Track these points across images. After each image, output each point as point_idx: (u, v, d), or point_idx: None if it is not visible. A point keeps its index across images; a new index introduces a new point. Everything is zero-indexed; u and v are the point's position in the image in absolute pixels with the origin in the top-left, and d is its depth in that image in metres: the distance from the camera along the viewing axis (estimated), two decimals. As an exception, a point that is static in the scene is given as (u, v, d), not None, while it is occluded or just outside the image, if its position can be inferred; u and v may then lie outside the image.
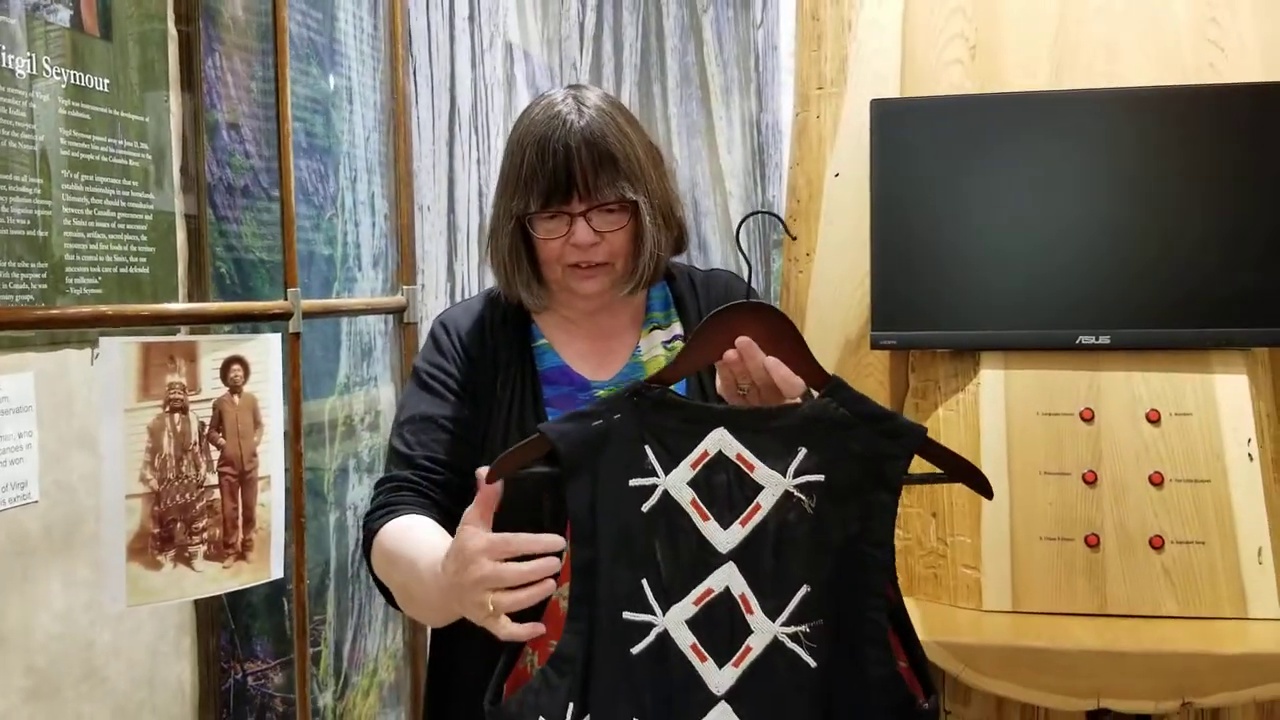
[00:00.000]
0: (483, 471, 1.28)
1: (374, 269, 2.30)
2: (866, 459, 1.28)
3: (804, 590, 1.28)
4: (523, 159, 1.50)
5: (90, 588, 1.69)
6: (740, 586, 1.28)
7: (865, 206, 2.07)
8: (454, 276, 2.42)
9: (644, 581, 1.29)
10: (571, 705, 1.28)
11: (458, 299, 2.42)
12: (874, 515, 1.28)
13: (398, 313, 2.14)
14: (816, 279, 2.20)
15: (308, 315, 1.88)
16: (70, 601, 1.87)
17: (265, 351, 1.78)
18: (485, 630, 1.43)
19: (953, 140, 2.04)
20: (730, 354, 1.29)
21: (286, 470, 1.81)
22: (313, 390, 2.27)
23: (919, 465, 1.29)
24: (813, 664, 1.27)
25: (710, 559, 1.29)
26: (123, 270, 2.01)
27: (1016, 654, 1.79)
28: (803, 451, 1.28)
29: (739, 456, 1.29)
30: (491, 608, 1.23)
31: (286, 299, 1.83)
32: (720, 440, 1.29)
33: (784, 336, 1.30)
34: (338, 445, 2.31)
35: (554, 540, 1.24)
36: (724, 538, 1.29)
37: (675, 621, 1.28)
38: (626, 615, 1.28)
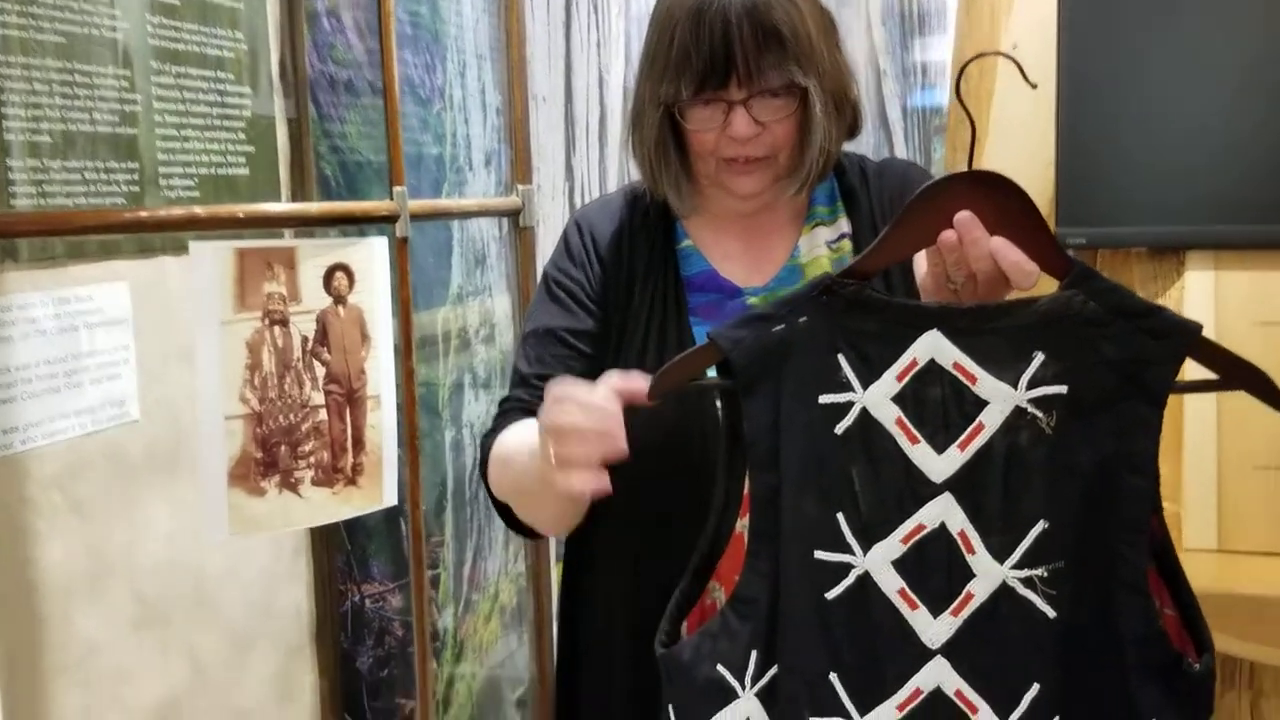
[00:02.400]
0: (622, 380, 1.01)
1: (486, 168, 2.02)
2: (1122, 364, 0.97)
3: (1040, 526, 0.98)
4: (672, 36, 1.21)
5: (197, 512, 1.46)
6: (959, 522, 0.99)
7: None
8: (572, 174, 2.13)
9: (839, 516, 1.00)
10: (755, 654, 1.02)
11: (577, 201, 2.14)
12: (1132, 433, 0.97)
13: (512, 215, 1.86)
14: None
15: (415, 218, 1.60)
16: (176, 526, 1.65)
17: (370, 257, 1.51)
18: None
19: (1156, 3, 1.68)
20: (946, 235, 0.98)
21: (398, 388, 1.55)
22: (424, 301, 2.02)
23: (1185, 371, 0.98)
24: (1051, 614, 0.98)
25: (921, 490, 1.00)
26: (220, 171, 1.76)
27: (1225, 602, 1.48)
28: (1039, 357, 0.98)
29: (957, 366, 0.99)
30: (553, 459, 1.03)
31: (392, 199, 1.55)
32: (933, 346, 0.99)
33: (1013, 214, 0.99)
34: (452, 359, 2.06)
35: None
36: (938, 465, 0.99)
37: (879, 563, 1.00)
38: (819, 555, 1.01)
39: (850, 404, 1.00)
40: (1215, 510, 1.63)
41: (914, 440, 1.00)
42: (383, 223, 1.58)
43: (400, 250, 1.59)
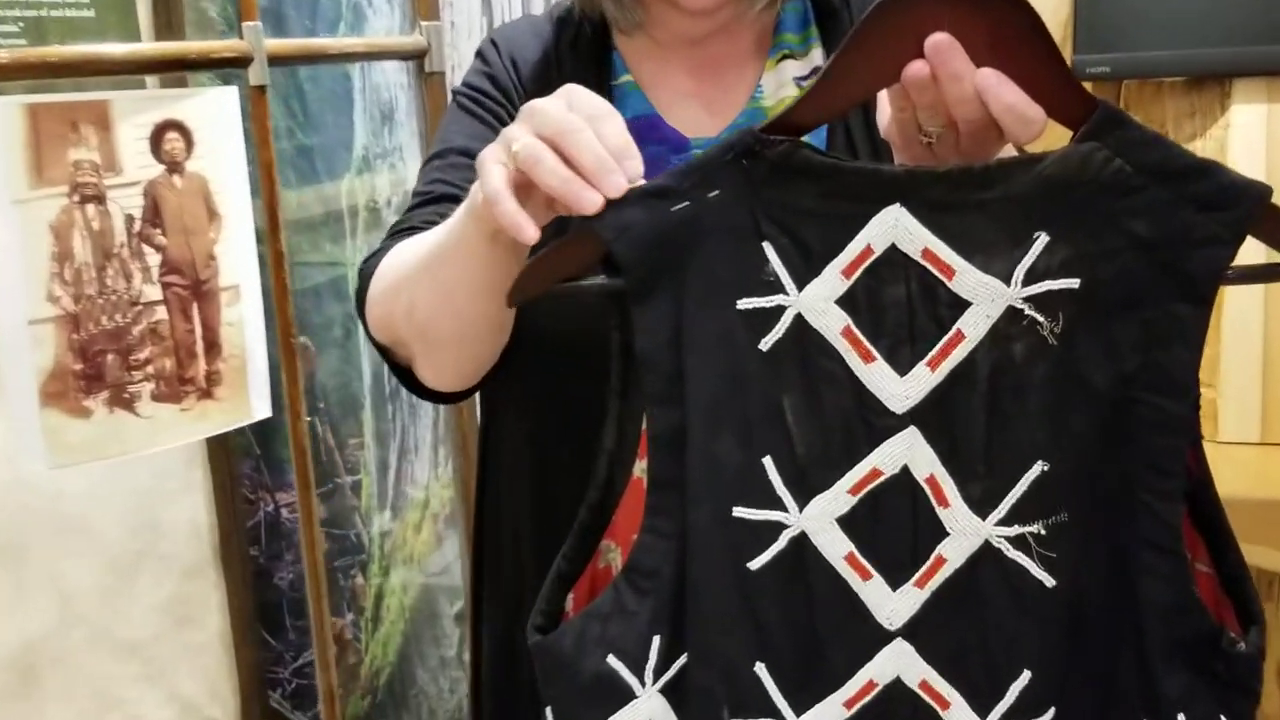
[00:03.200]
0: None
1: (390, 5, 1.68)
2: (1158, 247, 0.69)
3: (1037, 469, 0.72)
4: None
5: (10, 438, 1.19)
6: (927, 464, 0.73)
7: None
8: (491, 9, 1.79)
9: (766, 460, 0.74)
10: (658, 640, 0.77)
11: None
12: (1166, 342, 0.70)
13: (416, 59, 1.54)
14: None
15: (280, 61, 1.29)
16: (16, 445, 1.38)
17: (215, 113, 1.21)
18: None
19: None
20: (915, 68, 0.69)
21: (264, 274, 1.27)
22: (326, 169, 1.71)
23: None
24: (1049, 582, 0.73)
25: (876, 423, 0.73)
26: (54, 14, 1.44)
27: (1265, 509, 1.23)
28: (1041, 240, 0.70)
29: (927, 254, 0.71)
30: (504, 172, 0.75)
31: (242, 37, 1.24)
32: (895, 228, 0.71)
33: (1010, 36, 0.69)
34: (361, 236, 1.77)
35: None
36: (900, 389, 0.72)
37: (819, 520, 0.74)
38: (739, 511, 0.74)
39: (780, 310, 0.73)
40: (1259, 397, 1.36)
41: (867, 357, 0.72)
42: (232, 68, 1.27)
43: (257, 103, 1.28)
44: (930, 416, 0.73)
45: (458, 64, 1.67)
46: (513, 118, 1.06)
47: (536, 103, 0.75)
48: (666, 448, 0.74)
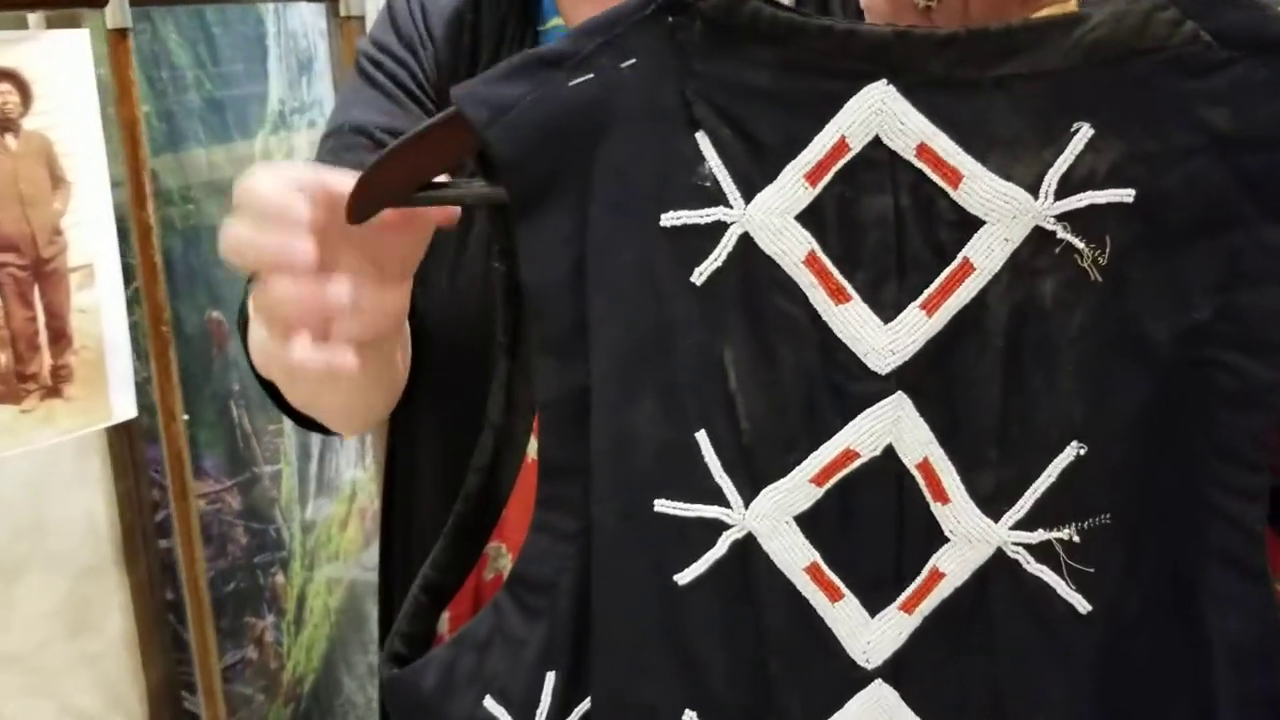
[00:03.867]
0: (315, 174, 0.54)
1: (307, -61, 1.47)
2: (1248, 147, 0.49)
3: (1071, 454, 0.52)
4: None
5: None
6: (919, 445, 0.53)
7: None
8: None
9: (700, 436, 0.54)
10: (552, 677, 0.57)
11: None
12: (1255, 281, 0.50)
13: (330, 1, 1.33)
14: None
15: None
16: None
17: (60, 62, 1.00)
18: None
19: None
20: None
21: (127, 251, 1.06)
22: (239, 124, 1.51)
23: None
24: (1083, 607, 0.53)
25: (850, 386, 0.53)
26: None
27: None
28: (1084, 132, 0.50)
29: (924, 152, 0.51)
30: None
31: None
32: (880, 113, 0.51)
33: None
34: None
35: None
36: (883, 339, 0.52)
37: (771, 519, 0.54)
38: (662, 506, 0.54)
39: (719, 227, 0.52)
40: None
41: (839, 295, 0.52)
42: (85, 6, 1.06)
43: (117, 49, 1.07)
44: (925, 379, 0.53)
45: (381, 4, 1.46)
46: (418, 82, 0.87)
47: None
48: (563, 420, 0.54)
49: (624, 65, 0.51)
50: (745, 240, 0.52)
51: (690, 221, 0.52)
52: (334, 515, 1.68)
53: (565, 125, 0.51)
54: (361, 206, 0.53)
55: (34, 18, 1.12)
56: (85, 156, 1.02)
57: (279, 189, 0.53)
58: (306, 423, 0.85)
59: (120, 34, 1.06)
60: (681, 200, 0.52)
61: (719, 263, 0.52)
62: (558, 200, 0.52)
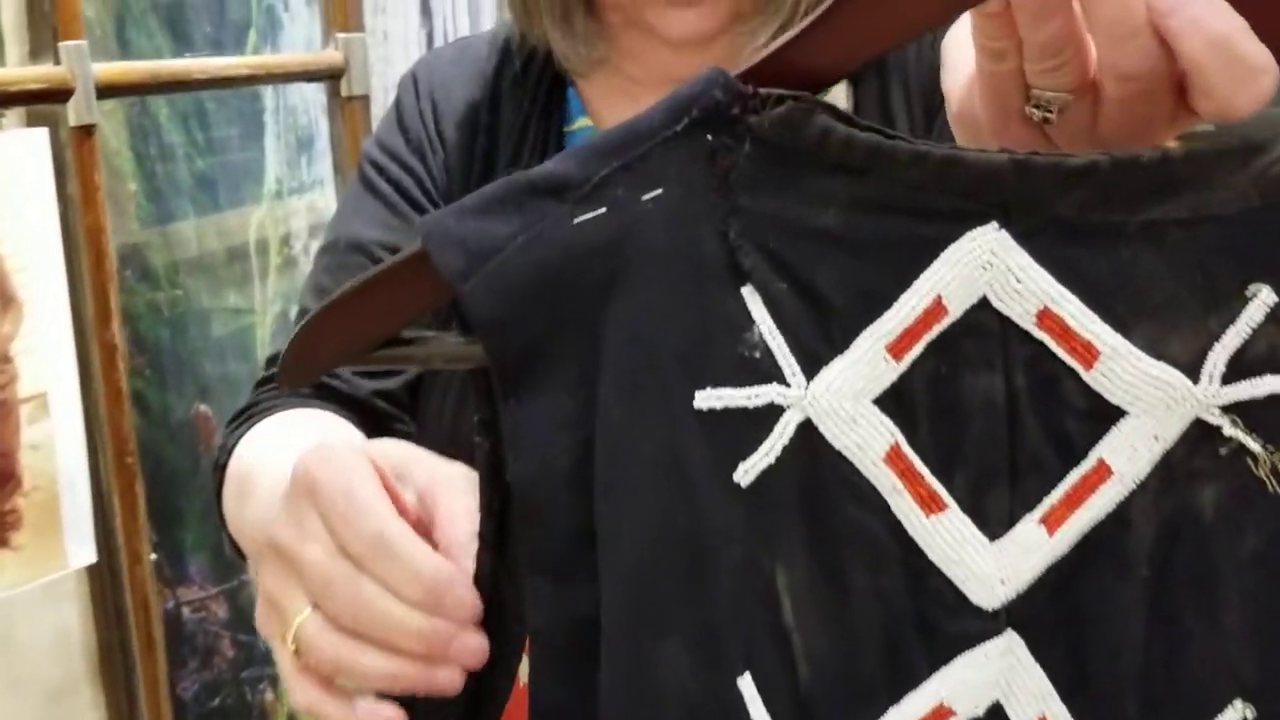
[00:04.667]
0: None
1: (309, 7, 1.37)
2: None
3: (1235, 715, 0.38)
4: None
5: None
6: (1035, 701, 0.39)
7: None
8: (431, 16, 1.48)
9: (744, 683, 0.40)
10: None
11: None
12: None
13: (330, 79, 1.23)
14: None
15: (117, 91, 0.97)
16: None
17: (14, 165, 0.89)
18: None
19: None
20: None
21: (86, 380, 0.95)
22: (229, 197, 1.40)
23: None
24: None
25: (945, 622, 0.39)
26: None
27: None
28: (1265, 298, 0.36)
29: (1047, 319, 0.38)
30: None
31: (60, 62, 0.93)
32: (990, 267, 0.37)
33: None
34: (273, 280, 1.44)
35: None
36: (990, 563, 0.39)
37: None
38: None
39: (774, 412, 0.39)
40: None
41: (931, 504, 0.39)
42: (45, 102, 0.95)
43: (80, 148, 0.96)
44: (1043, 616, 0.39)
45: (391, 84, 1.36)
46: (425, 190, 0.76)
47: (285, 543, 0.47)
48: (561, 655, 0.41)
49: (647, 197, 0.39)
50: (807, 429, 0.39)
51: (734, 404, 0.39)
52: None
53: (568, 276, 0.39)
54: (302, 366, 0.41)
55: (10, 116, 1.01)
56: (41, 272, 0.90)
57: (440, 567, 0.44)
58: None
59: (85, 131, 0.94)
60: (723, 375, 0.39)
61: (772, 458, 0.39)
62: (556, 373, 0.39)
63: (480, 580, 0.45)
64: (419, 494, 0.48)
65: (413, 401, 0.76)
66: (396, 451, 0.50)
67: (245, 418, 0.75)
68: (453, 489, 0.44)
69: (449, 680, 0.44)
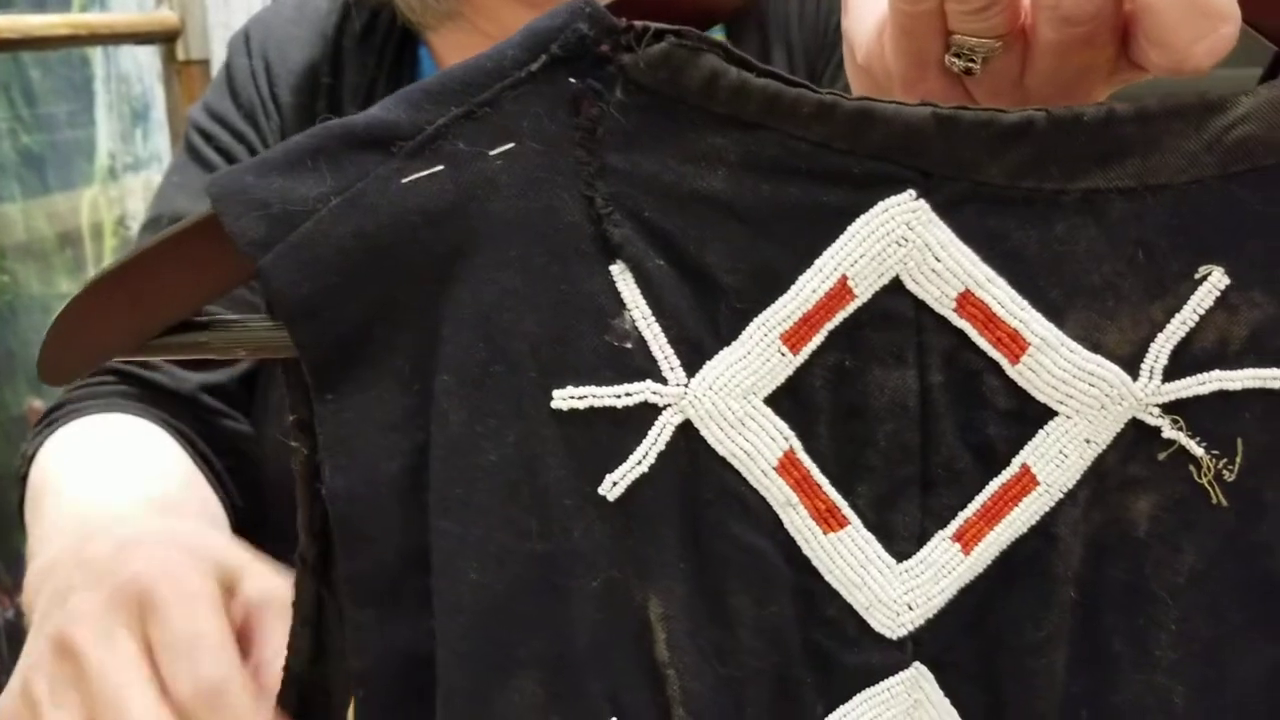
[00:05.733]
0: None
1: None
2: None
3: None
4: None
5: None
6: (944, 746, 0.33)
7: None
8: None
9: None
10: None
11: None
12: None
13: (165, 42, 1.11)
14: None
15: None
16: None
17: None
18: None
19: None
20: None
21: None
22: (59, 179, 1.27)
23: None
24: None
25: (844, 656, 0.33)
26: None
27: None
28: (1214, 281, 0.31)
29: (968, 304, 0.31)
30: None
31: None
32: (901, 241, 0.31)
33: None
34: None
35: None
36: (895, 585, 0.33)
37: None
38: None
39: (647, 412, 0.32)
40: None
41: (830, 520, 0.33)
42: None
43: None
44: (956, 646, 0.34)
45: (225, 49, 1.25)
46: (263, 149, 0.68)
47: (83, 647, 0.38)
48: (390, 701, 0.34)
49: (495, 153, 0.31)
50: (686, 433, 0.32)
51: (600, 403, 0.32)
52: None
53: (395, 249, 0.31)
54: (65, 360, 0.32)
55: None
56: None
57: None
58: None
59: None
60: (586, 370, 0.32)
61: (645, 467, 0.32)
62: (383, 366, 0.32)
63: (302, 611, 0.37)
64: (246, 615, 0.40)
65: (248, 395, 0.68)
66: (231, 556, 0.41)
67: (50, 421, 0.65)
68: (286, 614, 0.36)
69: None
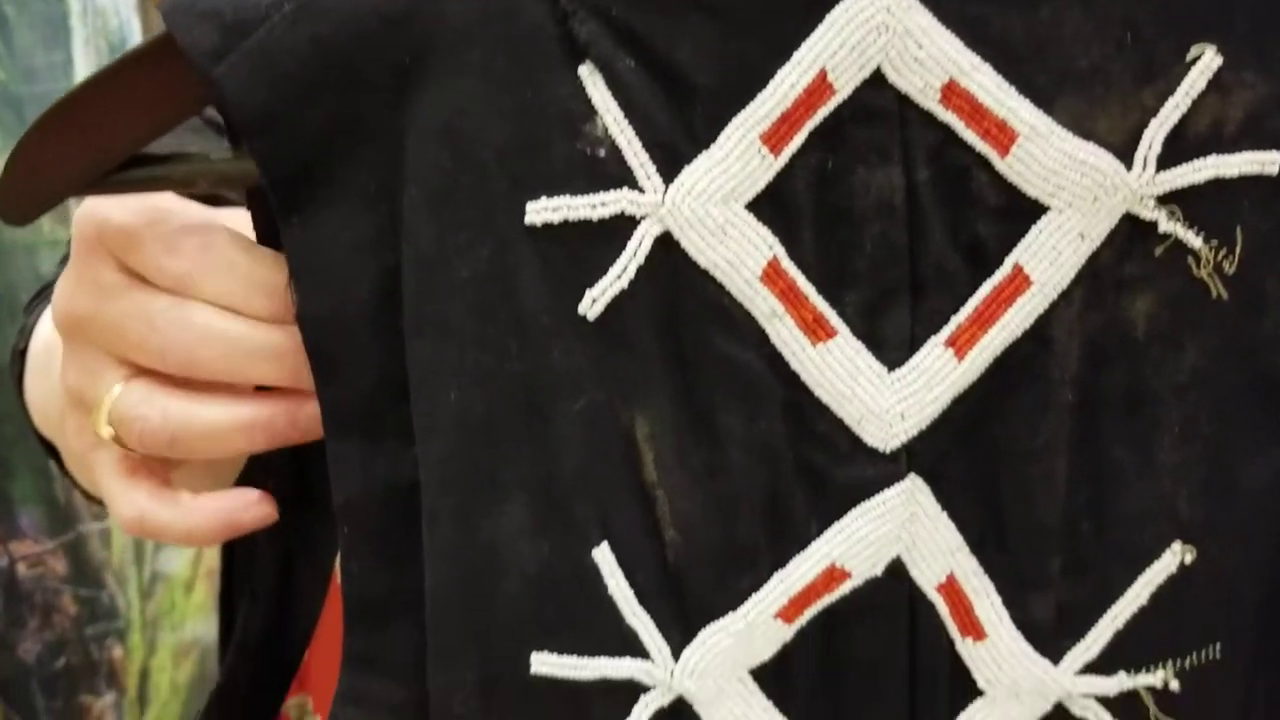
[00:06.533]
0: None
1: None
2: None
3: (1171, 559, 0.32)
4: None
5: None
6: (942, 557, 0.33)
7: None
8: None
9: (600, 552, 0.32)
10: None
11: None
12: None
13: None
14: None
15: None
16: None
17: None
18: None
19: None
20: None
21: None
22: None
23: None
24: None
25: (835, 470, 0.32)
26: None
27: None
28: (1207, 63, 0.30)
29: (952, 93, 0.30)
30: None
31: None
32: (881, 29, 0.30)
33: None
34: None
35: None
36: (886, 395, 0.32)
37: (714, 676, 0.33)
38: (543, 664, 0.32)
39: (624, 224, 0.31)
40: None
41: (818, 330, 0.32)
42: None
43: None
44: (951, 457, 0.33)
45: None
46: None
47: (81, 311, 0.35)
48: (375, 533, 0.33)
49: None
50: (666, 244, 0.31)
51: (576, 215, 0.31)
52: (177, 577, 1.43)
53: (354, 57, 0.30)
54: (23, 196, 0.31)
55: None
56: None
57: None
58: None
59: None
60: (559, 180, 0.31)
61: (624, 282, 0.31)
62: (349, 183, 0.31)
63: (283, 460, 0.36)
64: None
65: None
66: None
67: (43, 296, 0.64)
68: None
69: (314, 417, 0.33)
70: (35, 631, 1.41)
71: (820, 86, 0.30)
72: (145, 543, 1.39)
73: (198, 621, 1.44)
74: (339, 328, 0.31)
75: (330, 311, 0.31)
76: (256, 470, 0.38)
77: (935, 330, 0.32)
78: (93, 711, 1.42)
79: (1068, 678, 0.34)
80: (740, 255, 0.31)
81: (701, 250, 0.31)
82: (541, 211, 0.31)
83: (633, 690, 0.34)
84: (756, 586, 0.33)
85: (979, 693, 0.35)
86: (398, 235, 0.31)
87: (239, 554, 0.57)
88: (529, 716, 0.34)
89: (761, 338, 0.32)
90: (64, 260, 0.37)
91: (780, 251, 0.31)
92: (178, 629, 1.43)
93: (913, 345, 0.32)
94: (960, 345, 0.32)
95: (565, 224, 0.31)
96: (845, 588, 0.34)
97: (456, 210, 0.30)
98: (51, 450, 0.61)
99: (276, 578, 0.38)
